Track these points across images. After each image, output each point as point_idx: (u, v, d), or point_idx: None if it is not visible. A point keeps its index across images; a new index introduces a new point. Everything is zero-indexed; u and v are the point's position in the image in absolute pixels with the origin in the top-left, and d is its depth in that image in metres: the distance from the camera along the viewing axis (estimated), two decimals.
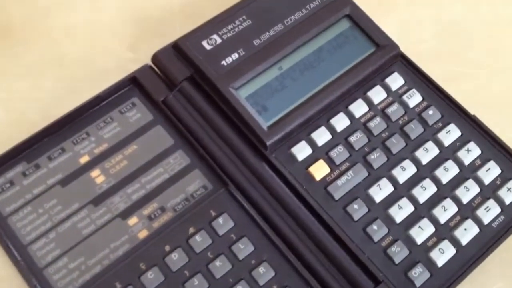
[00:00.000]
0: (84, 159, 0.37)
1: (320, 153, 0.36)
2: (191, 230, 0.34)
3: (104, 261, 0.33)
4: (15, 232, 0.34)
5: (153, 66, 0.39)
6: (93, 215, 0.35)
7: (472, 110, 0.38)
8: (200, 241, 0.34)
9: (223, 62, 0.38)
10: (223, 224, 0.34)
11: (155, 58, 0.39)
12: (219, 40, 0.38)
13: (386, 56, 0.39)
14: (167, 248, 0.33)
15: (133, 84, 0.39)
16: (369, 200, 0.35)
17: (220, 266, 0.33)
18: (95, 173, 0.36)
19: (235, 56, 0.38)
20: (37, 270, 0.33)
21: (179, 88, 0.38)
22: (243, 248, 0.34)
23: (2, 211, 0.35)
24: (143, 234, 0.34)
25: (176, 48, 0.38)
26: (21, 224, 0.34)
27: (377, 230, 0.34)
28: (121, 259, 0.33)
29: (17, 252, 0.33)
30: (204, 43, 0.38)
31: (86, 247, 0.34)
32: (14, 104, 0.39)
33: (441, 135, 0.37)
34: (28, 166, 0.36)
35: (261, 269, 0.33)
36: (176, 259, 0.33)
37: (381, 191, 0.35)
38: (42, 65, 0.41)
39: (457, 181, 0.36)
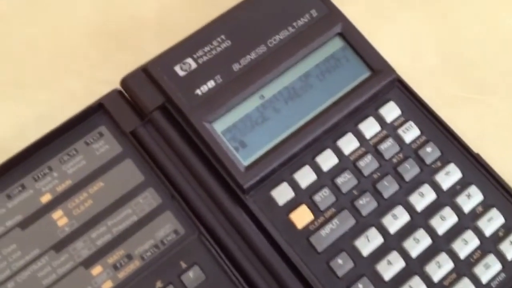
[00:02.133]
0: (46, 198, 0.34)
1: (303, 196, 0.33)
2: (159, 284, 0.31)
3: None
4: None
5: (122, 91, 0.36)
6: (54, 263, 0.32)
7: (474, 144, 0.34)
8: None
9: (198, 91, 0.34)
10: (194, 278, 0.31)
11: (124, 82, 0.35)
12: (194, 65, 0.34)
13: (382, 83, 0.35)
14: None
15: (100, 111, 0.35)
16: (355, 254, 0.32)
17: None
18: (57, 214, 0.33)
19: (211, 84, 0.34)
20: None
21: (150, 118, 0.34)
22: None
23: None
24: (107, 285, 0.32)
25: (147, 72, 0.35)
26: None
27: None
28: None
29: None
30: (177, 68, 0.34)
31: None
32: None
33: (440, 177, 0.33)
34: None
35: None
36: None
37: (369, 243, 0.32)
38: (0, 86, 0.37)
39: (455, 232, 0.32)
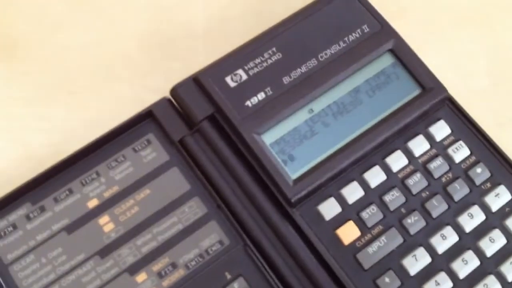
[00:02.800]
0: (93, 203, 0.34)
1: (350, 212, 0.33)
2: None
3: None
4: (16, 283, 0.32)
5: (172, 99, 0.36)
6: (99, 268, 0.32)
7: None
8: None
9: (248, 103, 0.34)
10: None
11: (174, 91, 0.35)
12: (244, 76, 0.35)
13: (433, 101, 0.35)
14: None
15: (149, 119, 0.36)
16: (402, 272, 0.31)
17: None
18: (103, 220, 0.34)
19: (261, 96, 0.34)
20: None
21: (198, 128, 0.35)
22: None
23: (4, 259, 0.32)
24: None
25: (197, 82, 0.35)
26: (23, 275, 0.32)
27: None
28: None
29: None
30: (228, 79, 0.35)
31: None
32: (20, 136, 0.36)
33: (489, 198, 0.33)
34: (33, 208, 0.34)
35: None
36: None
37: (417, 262, 0.31)
38: (52, 91, 0.37)
39: (503, 255, 0.32)
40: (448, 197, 0.33)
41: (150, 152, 0.35)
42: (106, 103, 0.37)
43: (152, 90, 0.36)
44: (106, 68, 0.39)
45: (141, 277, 0.32)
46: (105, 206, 0.34)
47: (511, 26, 0.39)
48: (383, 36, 0.36)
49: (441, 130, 0.35)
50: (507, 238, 0.32)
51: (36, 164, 0.34)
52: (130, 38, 0.39)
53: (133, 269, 0.32)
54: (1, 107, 0.37)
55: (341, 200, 0.33)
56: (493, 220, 0.33)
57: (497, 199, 0.33)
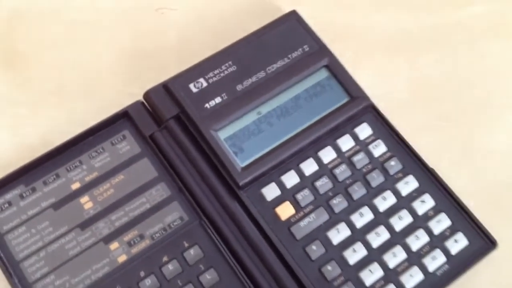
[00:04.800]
0: (76, 186, 0.41)
1: (287, 195, 0.40)
2: (165, 258, 0.38)
3: (86, 281, 0.37)
4: (10, 249, 0.38)
5: (144, 102, 0.43)
6: (79, 238, 0.39)
7: (432, 162, 0.41)
8: (172, 269, 0.38)
9: (207, 105, 0.41)
10: (194, 254, 0.38)
11: (147, 95, 0.43)
12: (204, 84, 0.42)
13: (358, 107, 0.42)
14: (142, 274, 0.37)
15: (125, 118, 0.43)
16: (327, 242, 0.39)
17: None
18: (84, 199, 0.40)
19: (218, 99, 0.41)
20: (27, 285, 0.37)
21: (166, 125, 0.42)
22: (210, 279, 0.37)
23: (0, 229, 0.39)
24: (122, 258, 0.38)
25: (166, 88, 0.42)
26: (16, 242, 0.39)
27: (331, 271, 0.38)
28: (100, 281, 0.37)
29: (10, 268, 0.38)
30: (191, 85, 0.42)
31: (71, 267, 0.38)
32: (18, 130, 0.43)
33: (400, 185, 0.40)
34: (26, 189, 0.40)
35: None
36: (149, 284, 0.37)
37: (338, 234, 0.39)
38: (44, 94, 0.45)
39: (409, 230, 0.39)
40: (367, 183, 0.40)
41: (125, 145, 0.42)
42: (91, 105, 0.44)
43: (130, 95, 0.43)
44: (92, 77, 0.46)
45: (114, 245, 0.39)
46: (85, 188, 0.40)
47: (426, 54, 0.47)
48: (320, 54, 0.43)
49: (364, 130, 0.42)
50: (413, 217, 0.39)
51: (29, 153, 0.41)
52: (112, 54, 0.47)
53: (108, 239, 0.39)
54: (6, 106, 0.44)
55: (281, 185, 0.40)
56: (402, 203, 0.40)
57: (406, 186, 0.40)
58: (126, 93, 0.44)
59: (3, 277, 0.38)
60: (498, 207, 0.41)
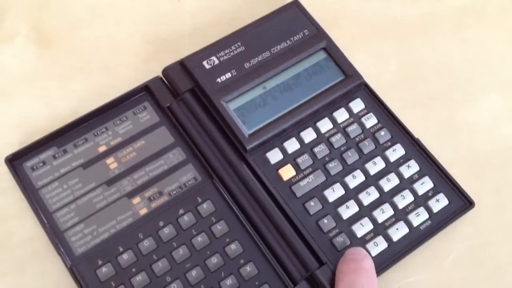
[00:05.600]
0: (102, 149, 0.46)
1: (289, 159, 0.45)
2: (181, 211, 0.43)
3: (111, 230, 0.43)
4: (44, 202, 0.43)
5: (163, 78, 0.48)
6: (105, 193, 0.44)
7: (418, 134, 0.47)
8: (187, 220, 0.43)
9: (218, 80, 0.46)
10: (206, 208, 0.43)
11: (165, 71, 0.48)
12: (216, 61, 0.47)
13: (352, 84, 0.47)
14: (161, 223, 0.43)
15: (145, 91, 0.48)
16: (323, 200, 0.44)
17: (201, 241, 0.42)
18: (109, 160, 0.45)
19: (228, 75, 0.47)
20: (59, 232, 0.42)
21: (182, 97, 0.47)
22: (220, 229, 0.43)
23: (35, 184, 0.44)
24: (143, 211, 0.44)
25: (182, 65, 0.47)
26: (49, 196, 0.44)
27: (327, 224, 0.43)
28: (125, 230, 0.42)
29: (44, 217, 0.43)
30: (205, 63, 0.47)
31: (98, 218, 0.43)
32: (51, 101, 0.49)
33: (388, 152, 0.46)
34: (58, 150, 0.45)
35: (232, 246, 0.42)
36: (167, 232, 0.42)
37: (334, 193, 0.44)
38: (74, 69, 0.50)
39: (396, 190, 0.44)
40: (359, 150, 0.46)
41: (145, 115, 0.47)
42: (115, 80, 0.49)
43: (148, 72, 0.49)
44: (115, 55, 0.51)
45: (136, 200, 0.44)
46: (111, 151, 0.46)
47: (413, 40, 0.52)
48: (318, 38, 0.48)
49: (357, 105, 0.47)
50: (399, 180, 0.45)
51: (60, 121, 0.46)
52: (133, 35, 0.52)
53: (131, 194, 0.44)
54: (38, 79, 0.49)
55: (283, 150, 0.45)
56: (390, 167, 0.45)
57: (394, 153, 0.46)
58: (145, 70, 0.49)
59: (39, 226, 0.43)
60: (477, 173, 0.46)
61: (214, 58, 0.47)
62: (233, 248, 0.42)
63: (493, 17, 0.53)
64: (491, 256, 0.43)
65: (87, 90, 0.49)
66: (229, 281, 0.41)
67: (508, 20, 0.53)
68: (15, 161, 0.45)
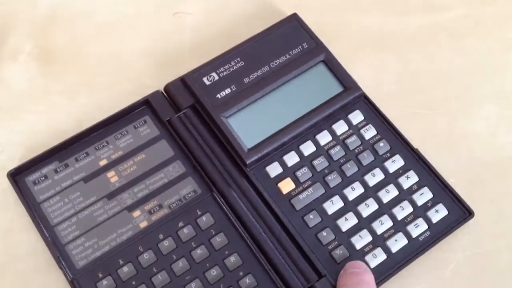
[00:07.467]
0: (103, 162, 0.46)
1: (288, 172, 0.45)
2: (181, 224, 0.43)
3: (112, 242, 0.43)
4: (46, 215, 0.44)
5: (163, 92, 0.49)
6: (106, 207, 0.45)
7: (417, 144, 0.47)
8: (187, 233, 0.43)
9: (218, 95, 0.47)
10: (206, 221, 0.44)
11: (167, 88, 0.48)
12: (216, 77, 0.48)
13: (351, 97, 0.48)
14: (161, 236, 0.43)
15: (146, 106, 0.49)
16: (322, 212, 0.44)
17: (200, 254, 0.42)
18: (110, 174, 0.46)
19: (228, 90, 0.47)
20: (61, 246, 0.43)
21: (183, 113, 0.47)
22: (219, 241, 0.43)
23: (37, 198, 0.45)
24: (143, 224, 0.44)
25: (183, 81, 0.48)
26: (51, 210, 0.44)
27: (326, 236, 0.43)
28: (125, 243, 0.43)
29: (46, 231, 0.43)
30: (205, 79, 0.48)
31: (99, 231, 0.43)
32: (54, 116, 0.49)
33: (387, 164, 0.46)
34: (60, 164, 0.46)
35: (232, 258, 0.42)
36: (167, 245, 0.42)
37: (333, 205, 0.44)
38: (77, 85, 0.51)
39: (395, 202, 0.44)
40: (358, 162, 0.46)
41: (146, 129, 0.48)
42: (116, 94, 0.50)
43: (149, 86, 0.49)
44: (117, 71, 0.52)
45: (136, 213, 0.44)
46: (112, 164, 0.46)
47: (410, 52, 0.52)
48: (317, 51, 0.49)
49: (356, 117, 0.48)
50: (398, 191, 0.45)
51: (62, 136, 0.47)
52: (134, 52, 0.53)
53: (131, 207, 0.44)
54: (42, 95, 0.50)
55: (282, 164, 0.46)
56: (389, 178, 0.45)
57: (393, 164, 0.46)
58: (146, 85, 0.50)
59: (41, 239, 0.43)
60: (475, 183, 0.46)
61: (214, 74, 0.48)
62: (232, 260, 0.42)
63: (488, 29, 0.54)
64: (492, 265, 0.43)
65: (90, 105, 0.50)
66: None
67: (502, 31, 0.54)
68: (17, 176, 0.45)
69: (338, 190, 0.45)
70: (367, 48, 0.53)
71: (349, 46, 0.53)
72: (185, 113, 0.47)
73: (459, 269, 0.43)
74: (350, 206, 0.44)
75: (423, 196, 0.44)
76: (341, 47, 0.51)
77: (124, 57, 0.53)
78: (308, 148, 0.46)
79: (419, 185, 0.45)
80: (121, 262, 0.42)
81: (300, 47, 0.49)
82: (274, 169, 0.45)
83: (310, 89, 0.48)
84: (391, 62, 0.52)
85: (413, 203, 0.44)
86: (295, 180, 0.45)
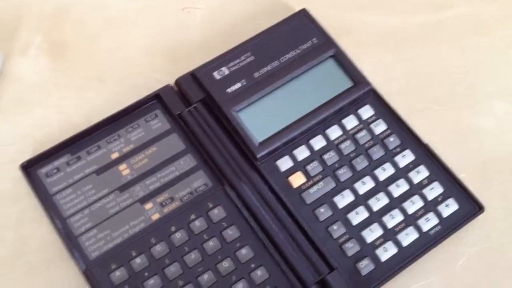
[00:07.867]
0: (115, 155, 0.47)
1: (299, 166, 0.46)
2: (192, 216, 0.44)
3: (124, 234, 0.43)
4: (58, 207, 0.44)
5: (173, 86, 0.49)
6: (118, 199, 0.45)
7: (427, 140, 0.47)
8: (198, 225, 0.43)
9: (228, 90, 0.47)
10: (217, 214, 0.44)
11: (177, 82, 0.49)
12: (226, 72, 0.48)
13: (360, 92, 0.48)
14: (173, 228, 0.43)
15: (156, 99, 0.49)
16: (333, 206, 0.44)
17: (212, 246, 0.42)
18: (122, 167, 0.46)
19: (238, 85, 0.47)
20: (73, 237, 0.43)
21: (194, 107, 0.48)
22: (231, 234, 0.43)
23: (50, 191, 0.45)
24: (155, 216, 0.44)
25: (193, 76, 0.48)
26: (63, 201, 0.44)
27: (337, 230, 0.43)
28: (137, 234, 0.43)
29: (59, 223, 0.43)
30: (215, 73, 0.48)
31: (111, 223, 0.44)
32: (64, 110, 0.50)
33: (398, 158, 0.46)
34: (72, 157, 0.46)
35: (243, 251, 0.42)
36: (179, 237, 0.43)
37: (343, 199, 0.44)
38: (87, 79, 0.51)
39: (405, 196, 0.45)
40: (368, 157, 0.46)
41: (157, 122, 0.48)
42: (126, 89, 0.50)
43: (159, 81, 0.50)
44: (127, 66, 0.52)
45: (148, 205, 0.45)
46: (123, 157, 0.46)
47: (420, 47, 0.53)
48: (327, 46, 0.49)
49: (366, 111, 0.48)
50: (409, 185, 0.45)
51: (74, 128, 0.47)
52: (144, 46, 0.53)
53: (143, 200, 0.45)
54: (53, 90, 0.51)
55: (293, 158, 0.46)
56: (400, 173, 0.46)
57: (403, 158, 0.46)
58: (156, 79, 0.50)
59: (54, 231, 0.43)
60: (485, 178, 0.46)
61: (224, 68, 0.48)
62: (244, 252, 0.42)
63: (491, 27, 0.54)
64: (502, 260, 0.43)
65: (100, 99, 0.50)
66: (240, 285, 0.41)
67: (506, 30, 0.54)
68: (29, 168, 0.45)
69: (349, 184, 0.45)
70: (375, 44, 0.53)
71: (357, 42, 0.53)
72: (196, 107, 0.48)
73: (470, 264, 0.43)
74: (361, 200, 0.44)
75: (434, 190, 0.45)
76: (349, 43, 0.52)
77: (133, 52, 0.53)
78: (318, 142, 0.47)
79: (429, 180, 0.45)
80: (134, 254, 0.42)
81: (309, 42, 0.50)
82: (284, 163, 0.46)
83: (320, 83, 0.48)
84: (398, 58, 0.53)
85: (423, 197, 0.44)
86: (306, 174, 0.45)
